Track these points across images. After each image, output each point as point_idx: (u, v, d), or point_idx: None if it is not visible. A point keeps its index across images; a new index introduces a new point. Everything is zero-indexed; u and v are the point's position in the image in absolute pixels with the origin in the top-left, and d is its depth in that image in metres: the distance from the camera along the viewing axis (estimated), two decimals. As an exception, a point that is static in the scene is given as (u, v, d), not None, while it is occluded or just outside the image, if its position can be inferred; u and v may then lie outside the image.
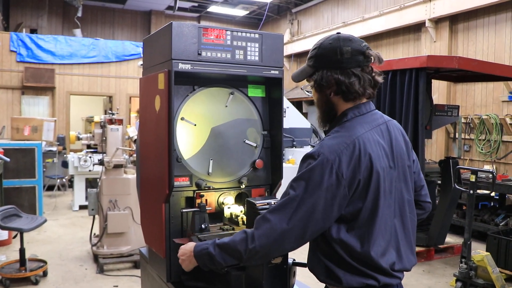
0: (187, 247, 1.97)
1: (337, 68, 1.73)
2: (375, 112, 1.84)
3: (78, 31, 13.98)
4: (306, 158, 1.70)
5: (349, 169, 1.64)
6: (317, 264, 1.78)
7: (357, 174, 1.65)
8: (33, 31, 13.26)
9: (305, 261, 2.30)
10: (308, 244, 1.82)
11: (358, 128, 1.73)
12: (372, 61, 1.76)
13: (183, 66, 2.31)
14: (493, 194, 6.95)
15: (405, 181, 1.82)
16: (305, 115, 12.68)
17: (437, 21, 9.32)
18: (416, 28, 10.01)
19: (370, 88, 1.78)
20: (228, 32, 2.45)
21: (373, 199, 1.68)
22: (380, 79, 1.80)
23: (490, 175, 5.95)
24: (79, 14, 13.55)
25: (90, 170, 8.21)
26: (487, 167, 8.02)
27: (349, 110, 1.78)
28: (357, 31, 11.15)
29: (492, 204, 7.39)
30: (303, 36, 13.89)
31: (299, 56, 14.52)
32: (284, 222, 1.66)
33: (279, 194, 2.81)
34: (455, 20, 9.12)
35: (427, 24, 9.33)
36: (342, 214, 1.68)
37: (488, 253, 4.82)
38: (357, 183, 1.65)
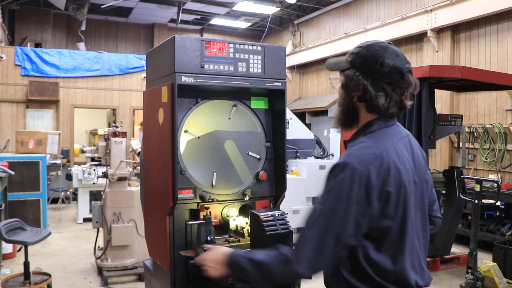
0: (218, 256, 1.85)
1: (370, 76, 1.68)
2: (398, 124, 1.79)
3: (82, 45, 14.09)
4: (335, 169, 1.62)
5: (378, 181, 1.57)
6: (337, 281, 1.69)
7: (386, 187, 1.58)
8: (37, 45, 13.38)
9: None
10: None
11: (386, 139, 1.67)
12: (408, 84, 1.70)
13: (186, 79, 2.32)
14: (498, 203, 6.91)
15: (422, 196, 1.77)
16: (309, 126, 12.69)
17: (439, 31, 9.35)
18: (418, 38, 10.04)
19: (396, 108, 1.71)
20: (231, 45, 2.47)
21: (402, 214, 1.62)
22: (408, 104, 1.73)
23: (495, 185, 5.92)
24: (83, 27, 13.66)
25: (94, 183, 8.22)
26: (491, 176, 7.98)
27: (375, 120, 1.72)
28: (359, 41, 11.12)
29: (497, 213, 7.34)
30: (306, 47, 13.95)
31: (301, 67, 14.57)
32: (321, 241, 1.58)
33: (283, 205, 2.81)
34: (457, 30, 9.15)
35: (429, 34, 9.36)
36: (371, 231, 1.61)
37: (495, 263, 4.79)
38: (386, 196, 1.58)
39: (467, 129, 8.60)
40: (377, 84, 1.67)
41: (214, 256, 1.87)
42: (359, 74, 1.70)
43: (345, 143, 1.81)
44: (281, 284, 1.74)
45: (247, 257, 1.74)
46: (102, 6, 13.36)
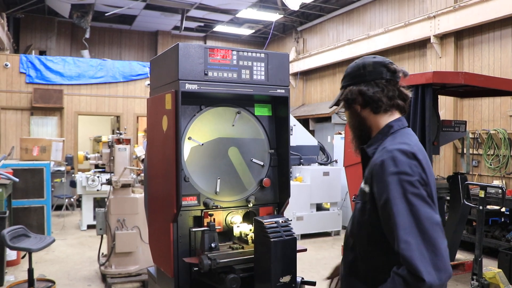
0: None
1: (362, 82, 1.79)
2: (409, 128, 1.82)
3: (86, 52, 14.18)
4: (383, 166, 1.58)
5: (421, 172, 1.57)
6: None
7: (427, 181, 1.58)
8: (42, 52, 13.47)
9: (313, 279, 2.29)
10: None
11: (410, 137, 1.71)
12: (397, 74, 1.80)
13: (190, 86, 2.33)
14: (503, 209, 6.87)
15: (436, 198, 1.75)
16: (312, 132, 12.69)
17: (442, 37, 9.35)
18: (421, 44, 10.05)
19: (400, 101, 1.79)
20: (234, 52, 2.48)
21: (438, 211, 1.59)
22: (408, 92, 1.82)
23: (500, 191, 5.90)
24: (87, 35, 13.75)
25: (98, 190, 8.24)
26: (496, 182, 7.94)
27: (393, 121, 1.77)
28: (362, 48, 11.21)
29: (502, 219, 7.31)
30: (309, 54, 13.98)
31: (305, 74, 14.59)
32: (424, 237, 1.49)
33: (286, 212, 2.81)
34: (460, 36, 9.15)
35: (432, 40, 9.37)
36: None
37: (500, 270, 4.75)
38: (430, 189, 1.58)
39: (471, 135, 8.57)
40: (369, 84, 1.78)
41: None
42: (352, 85, 1.81)
43: (362, 150, 1.82)
44: None
45: None
46: (106, 14, 13.44)
